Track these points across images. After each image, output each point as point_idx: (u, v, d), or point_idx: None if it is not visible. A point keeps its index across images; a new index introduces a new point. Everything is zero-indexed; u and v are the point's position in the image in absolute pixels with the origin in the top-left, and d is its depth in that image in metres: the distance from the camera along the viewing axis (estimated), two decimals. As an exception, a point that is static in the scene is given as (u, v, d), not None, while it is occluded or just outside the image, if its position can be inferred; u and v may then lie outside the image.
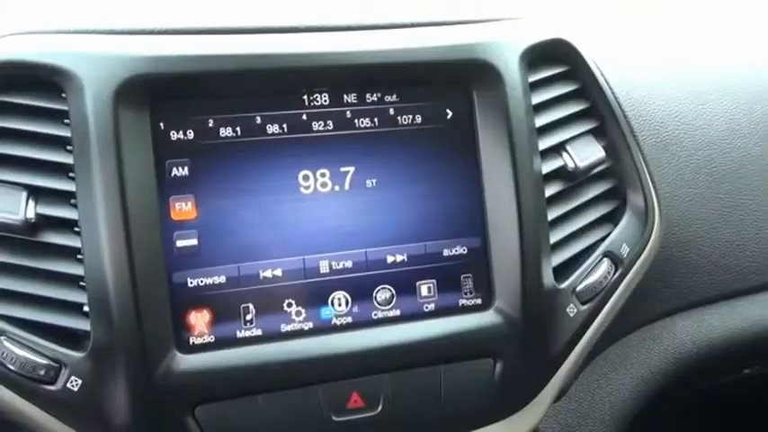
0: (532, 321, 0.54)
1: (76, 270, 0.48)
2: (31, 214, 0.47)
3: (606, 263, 0.59)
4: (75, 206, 0.48)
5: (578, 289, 0.57)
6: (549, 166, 0.58)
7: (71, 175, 0.48)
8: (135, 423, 0.47)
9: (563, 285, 0.56)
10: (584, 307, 0.57)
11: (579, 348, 0.58)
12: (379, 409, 0.51)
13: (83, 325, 0.48)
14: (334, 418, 0.50)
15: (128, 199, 0.47)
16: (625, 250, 0.60)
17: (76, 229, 0.48)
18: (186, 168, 0.50)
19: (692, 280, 0.69)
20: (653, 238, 0.62)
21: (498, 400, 0.54)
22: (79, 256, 0.48)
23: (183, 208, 0.50)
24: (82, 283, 0.48)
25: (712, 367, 0.80)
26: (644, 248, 0.61)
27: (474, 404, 0.53)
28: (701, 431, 1.48)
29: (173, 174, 0.49)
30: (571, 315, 0.57)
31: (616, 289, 0.60)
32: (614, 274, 0.59)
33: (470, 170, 0.55)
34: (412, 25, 0.56)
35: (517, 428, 0.56)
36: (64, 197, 0.48)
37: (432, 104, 0.55)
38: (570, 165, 0.58)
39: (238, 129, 0.51)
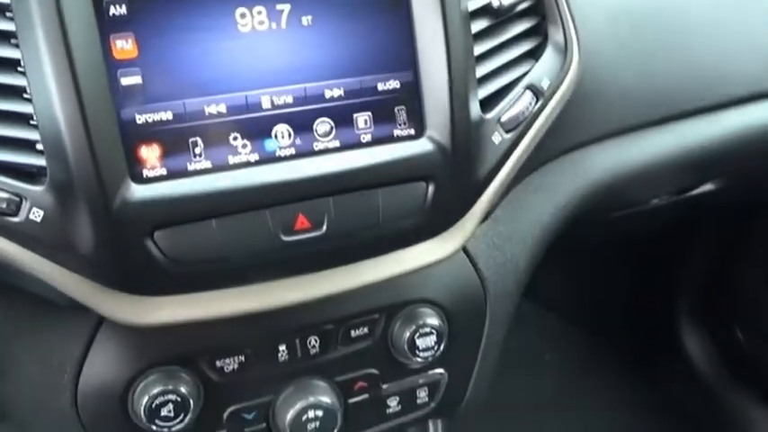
0: (461, 148, 0.59)
1: (25, 108, 0.50)
2: None
3: (528, 95, 0.64)
4: (16, 46, 0.49)
5: (503, 119, 0.62)
6: (475, 3, 0.61)
7: (8, 14, 0.49)
8: (99, 248, 0.51)
9: (489, 116, 0.61)
10: (508, 135, 0.63)
11: (503, 173, 0.64)
12: (324, 229, 0.56)
13: (38, 161, 0.50)
14: (284, 238, 0.55)
15: (69, 37, 0.48)
16: (545, 83, 0.65)
17: (20, 68, 0.49)
18: (124, 7, 0.51)
19: (608, 112, 0.75)
20: (571, 72, 0.67)
21: (431, 219, 0.60)
22: (26, 95, 0.49)
23: (124, 46, 0.51)
24: (32, 122, 0.50)
25: (625, 196, 0.89)
26: (562, 82, 0.67)
27: (409, 224, 0.59)
28: (611, 259, 1.63)
29: (111, 13, 0.50)
30: (496, 142, 0.62)
31: (537, 119, 0.65)
32: (535, 105, 0.64)
33: (401, 8, 0.57)
34: None
35: (448, 245, 0.62)
36: (4, 37, 0.49)
37: None
38: (495, 2, 0.62)
39: None
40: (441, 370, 0.72)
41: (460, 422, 0.92)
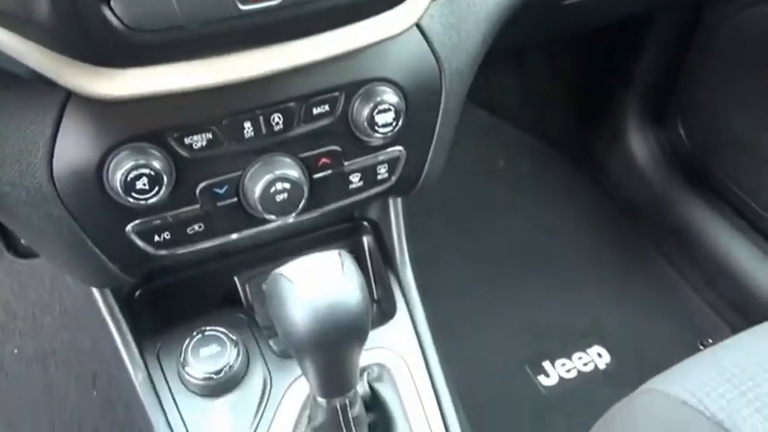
0: None
1: None
2: None
3: None
4: None
5: None
6: None
7: None
8: (56, 16, 0.51)
9: None
10: None
11: None
12: None
13: None
14: (241, 7, 0.55)
15: None
16: None
17: None
18: None
19: None
20: None
21: None
22: None
23: None
24: None
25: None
26: None
27: (366, -7, 0.60)
28: (562, 59, 1.66)
29: None
30: None
31: None
32: None
33: None
34: None
35: (403, 19, 0.64)
36: None
37: None
38: None
39: None
40: (399, 147, 0.76)
41: (418, 209, 0.99)
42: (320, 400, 0.69)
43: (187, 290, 0.90)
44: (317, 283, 0.60)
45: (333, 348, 0.61)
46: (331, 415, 0.69)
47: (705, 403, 0.77)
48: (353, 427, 0.71)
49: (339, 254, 0.63)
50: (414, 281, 0.92)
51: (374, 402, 0.80)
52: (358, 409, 0.71)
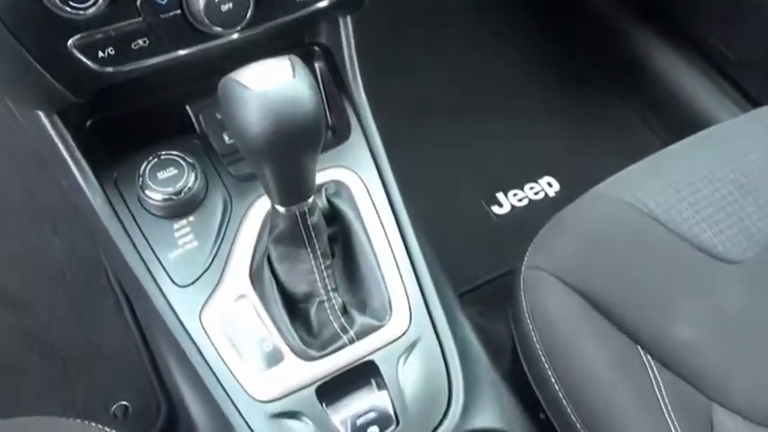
0: None
1: None
2: None
3: None
4: None
5: None
6: None
7: None
8: None
9: None
10: None
11: None
12: None
13: None
14: None
15: None
16: None
17: None
18: None
19: None
20: None
21: None
22: None
23: None
24: None
25: None
26: None
27: None
28: None
29: None
30: None
31: None
32: None
33: None
34: None
35: None
36: None
37: None
38: None
39: None
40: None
41: (369, 45, 0.97)
42: (280, 208, 0.71)
43: (138, 121, 0.89)
44: (269, 85, 0.60)
45: (288, 149, 0.62)
46: (291, 222, 0.72)
47: (643, 201, 0.82)
48: (313, 235, 0.74)
49: (290, 58, 0.62)
50: (367, 103, 0.93)
51: (333, 216, 0.83)
52: (317, 218, 0.74)
